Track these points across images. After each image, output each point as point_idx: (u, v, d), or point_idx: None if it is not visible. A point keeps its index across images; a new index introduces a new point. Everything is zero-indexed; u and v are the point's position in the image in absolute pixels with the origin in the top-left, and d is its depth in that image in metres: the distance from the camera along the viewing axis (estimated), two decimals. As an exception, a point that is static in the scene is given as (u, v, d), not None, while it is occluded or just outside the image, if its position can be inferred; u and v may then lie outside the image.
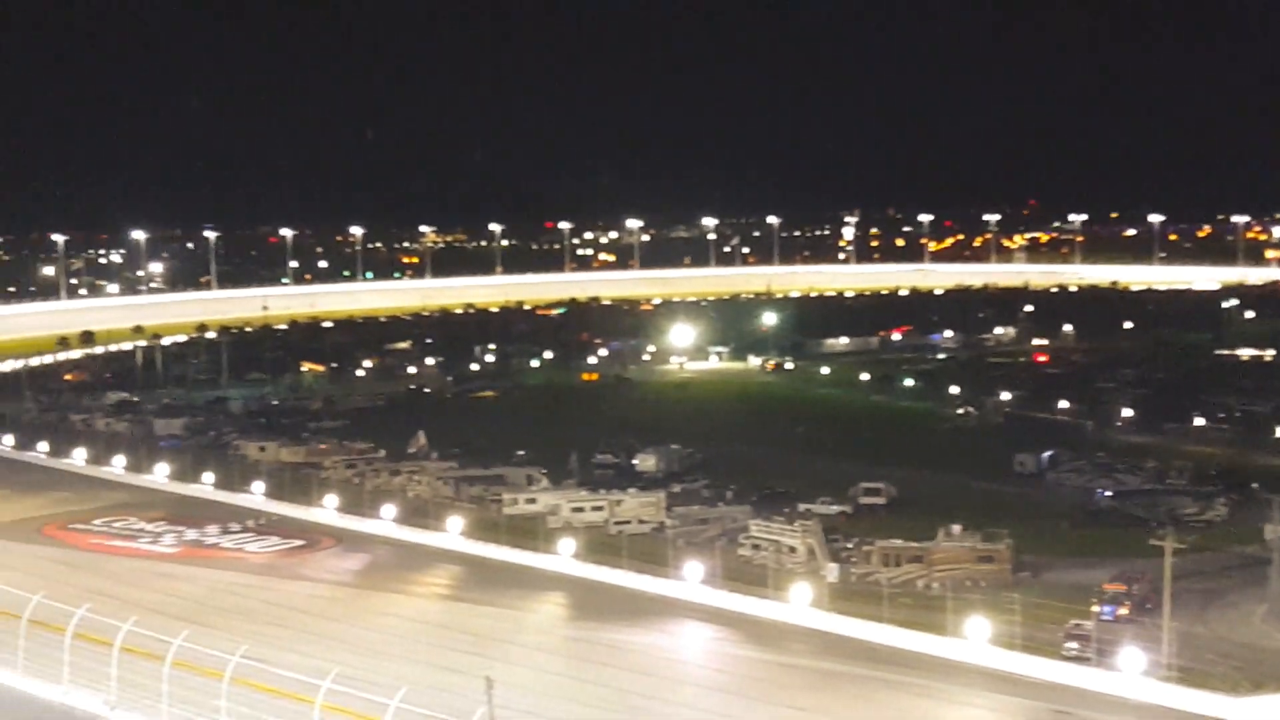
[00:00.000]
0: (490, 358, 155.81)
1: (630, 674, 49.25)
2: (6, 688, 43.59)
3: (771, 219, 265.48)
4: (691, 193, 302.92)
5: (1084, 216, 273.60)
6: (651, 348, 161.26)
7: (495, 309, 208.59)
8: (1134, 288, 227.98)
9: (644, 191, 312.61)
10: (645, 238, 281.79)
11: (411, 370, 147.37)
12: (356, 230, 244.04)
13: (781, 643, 53.53)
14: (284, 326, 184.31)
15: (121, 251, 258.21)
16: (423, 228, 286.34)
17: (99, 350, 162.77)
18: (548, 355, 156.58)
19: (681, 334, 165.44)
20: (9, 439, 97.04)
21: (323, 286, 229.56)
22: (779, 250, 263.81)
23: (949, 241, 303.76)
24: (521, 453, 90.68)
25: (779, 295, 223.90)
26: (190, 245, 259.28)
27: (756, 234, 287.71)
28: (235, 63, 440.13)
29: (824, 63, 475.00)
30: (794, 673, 50.47)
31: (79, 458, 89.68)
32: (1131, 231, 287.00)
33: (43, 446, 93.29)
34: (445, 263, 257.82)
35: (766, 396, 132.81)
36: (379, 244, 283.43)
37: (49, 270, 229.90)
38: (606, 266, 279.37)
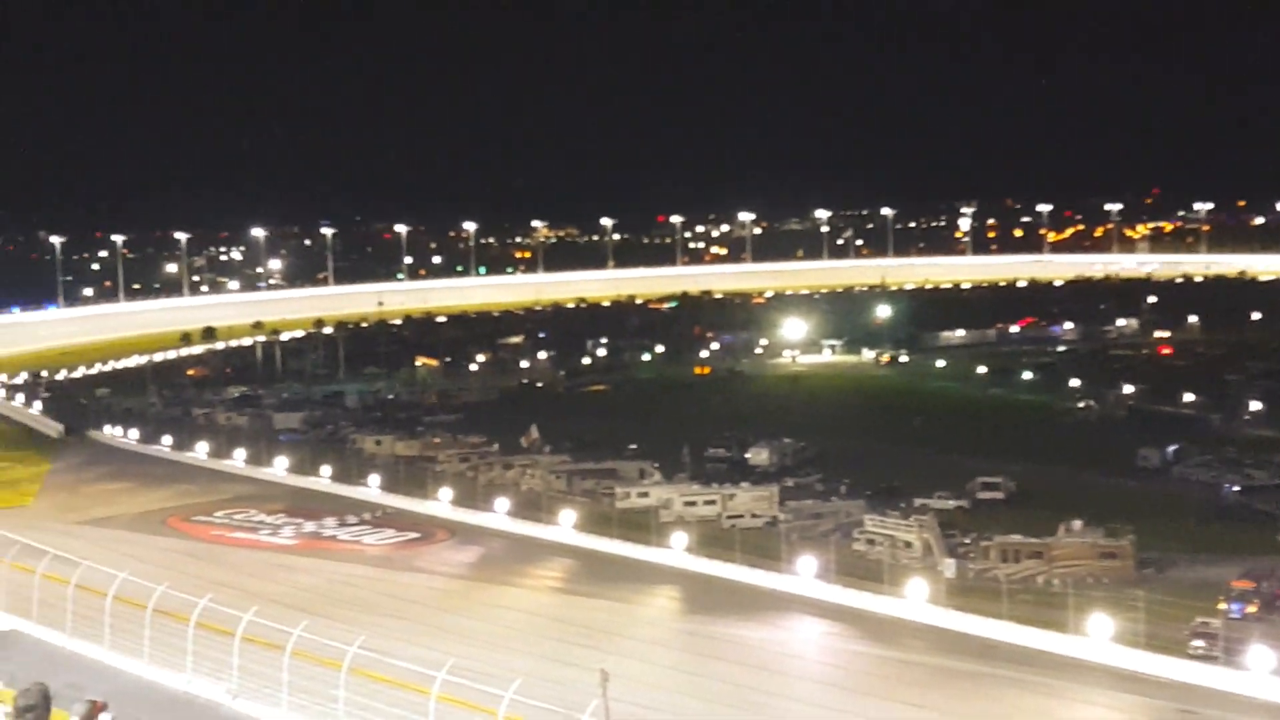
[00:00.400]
0: (602, 352, 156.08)
1: (744, 668, 48.86)
2: (133, 676, 44.37)
3: (886, 210, 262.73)
4: (804, 185, 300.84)
5: (1210, 205, 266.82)
6: (764, 341, 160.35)
7: (607, 303, 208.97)
8: (1263, 277, 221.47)
9: (756, 184, 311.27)
10: (757, 231, 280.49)
11: (524, 364, 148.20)
12: (469, 226, 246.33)
13: (898, 639, 52.76)
14: (398, 321, 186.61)
15: (241, 249, 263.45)
16: (534, 223, 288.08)
17: (220, 346, 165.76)
18: (659, 349, 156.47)
19: (794, 327, 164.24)
20: (135, 433, 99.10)
21: (436, 282, 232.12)
22: (893, 242, 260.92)
23: (1069, 232, 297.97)
24: (633, 446, 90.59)
25: (893, 288, 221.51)
26: (308, 242, 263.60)
27: (870, 226, 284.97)
28: (349, 61, 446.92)
29: (940, 49, 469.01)
30: (911, 669, 49.71)
31: (201, 451, 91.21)
32: (1260, 220, 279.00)
33: (167, 440, 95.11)
34: (557, 257, 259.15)
35: (881, 390, 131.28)
36: (491, 239, 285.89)
37: (172, 268, 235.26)
38: (718, 260, 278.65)
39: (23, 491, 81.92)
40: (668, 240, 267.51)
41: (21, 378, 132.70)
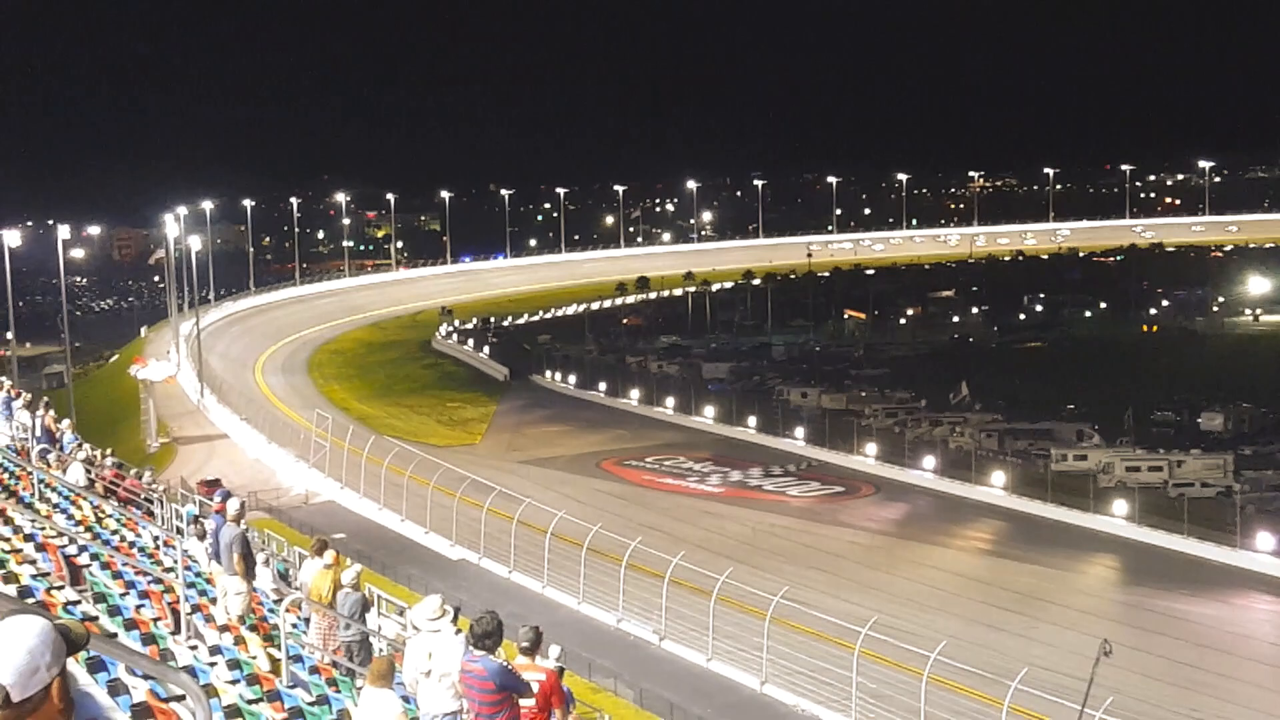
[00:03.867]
0: (1039, 307, 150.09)
1: (1189, 646, 45.57)
2: (569, 610, 46.18)
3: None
4: (1273, 127, 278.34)
5: None
6: (1220, 298, 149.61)
7: (1045, 256, 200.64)
8: None
9: (1215, 128, 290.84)
10: (1216, 179, 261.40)
11: (955, 319, 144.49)
12: (902, 176, 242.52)
13: (1369, 626, 47.97)
14: (826, 274, 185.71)
15: (674, 200, 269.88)
16: (970, 172, 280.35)
17: (653, 296, 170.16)
18: (1102, 305, 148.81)
19: (1257, 284, 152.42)
20: (573, 378, 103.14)
21: (866, 234, 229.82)
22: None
23: None
24: (1071, 407, 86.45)
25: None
26: (739, 193, 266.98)
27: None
28: (779, 21, 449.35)
29: None
30: (1383, 661, 45.03)
31: (633, 398, 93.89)
32: None
33: (602, 386, 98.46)
34: (994, 208, 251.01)
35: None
36: (925, 190, 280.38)
37: (610, 219, 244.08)
38: (1171, 211, 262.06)
39: (472, 431, 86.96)
40: (1115, 190, 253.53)
41: (472, 323, 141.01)
